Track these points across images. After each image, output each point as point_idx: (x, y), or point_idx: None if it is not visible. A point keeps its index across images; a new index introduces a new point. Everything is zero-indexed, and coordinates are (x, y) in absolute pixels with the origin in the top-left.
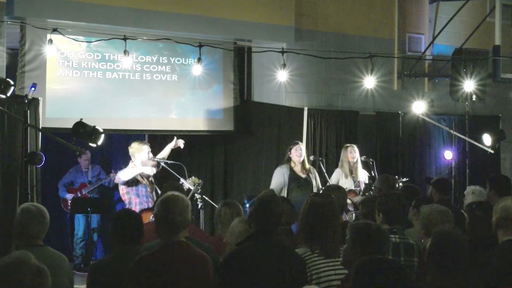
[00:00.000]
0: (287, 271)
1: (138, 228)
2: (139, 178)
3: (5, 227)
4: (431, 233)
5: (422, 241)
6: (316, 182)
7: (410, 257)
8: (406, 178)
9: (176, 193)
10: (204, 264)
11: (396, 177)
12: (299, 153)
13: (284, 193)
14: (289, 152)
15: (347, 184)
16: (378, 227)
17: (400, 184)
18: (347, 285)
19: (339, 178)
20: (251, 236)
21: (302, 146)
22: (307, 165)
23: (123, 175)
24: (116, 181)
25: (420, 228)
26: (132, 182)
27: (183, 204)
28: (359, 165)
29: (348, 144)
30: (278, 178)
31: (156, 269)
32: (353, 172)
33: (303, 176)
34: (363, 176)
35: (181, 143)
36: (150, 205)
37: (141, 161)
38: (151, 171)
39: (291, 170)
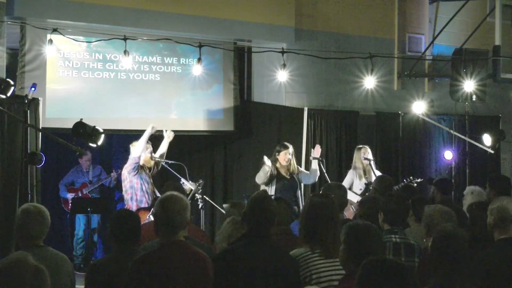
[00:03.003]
0: (279, 272)
1: (136, 228)
2: (143, 173)
3: (5, 227)
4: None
5: (425, 240)
6: (301, 178)
7: (410, 257)
8: (421, 179)
9: (175, 193)
10: (203, 263)
11: (411, 177)
12: (287, 158)
13: (272, 191)
14: (277, 154)
15: (361, 185)
16: (371, 227)
17: (415, 184)
18: (344, 285)
19: (353, 179)
20: (244, 236)
21: (291, 150)
22: (291, 168)
23: (134, 151)
24: (126, 171)
25: (422, 228)
26: (138, 173)
27: (182, 204)
28: (373, 166)
29: (361, 146)
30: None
31: (156, 268)
32: (366, 173)
33: (287, 177)
34: None
35: (170, 133)
36: (147, 204)
37: (143, 159)
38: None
39: (277, 170)
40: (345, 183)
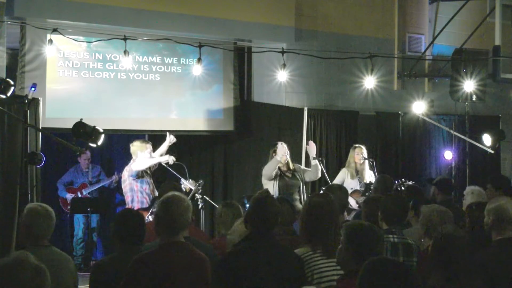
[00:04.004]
0: (285, 272)
1: (140, 227)
2: (146, 174)
3: (5, 227)
4: (432, 234)
5: (422, 241)
6: (303, 175)
7: (409, 257)
8: (412, 182)
9: (177, 193)
10: (203, 264)
11: (403, 179)
12: (284, 151)
13: (276, 189)
14: (273, 153)
15: (352, 184)
16: (371, 227)
17: (403, 186)
18: (341, 285)
19: (344, 178)
20: (248, 237)
21: (285, 145)
22: (291, 165)
23: (139, 165)
24: (127, 174)
25: (420, 228)
26: (140, 176)
27: (184, 205)
28: (367, 166)
29: (357, 145)
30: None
31: (155, 269)
32: (359, 173)
33: (289, 175)
34: (370, 177)
35: (172, 138)
36: (147, 205)
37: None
38: (168, 159)
39: (279, 168)
40: (336, 181)
